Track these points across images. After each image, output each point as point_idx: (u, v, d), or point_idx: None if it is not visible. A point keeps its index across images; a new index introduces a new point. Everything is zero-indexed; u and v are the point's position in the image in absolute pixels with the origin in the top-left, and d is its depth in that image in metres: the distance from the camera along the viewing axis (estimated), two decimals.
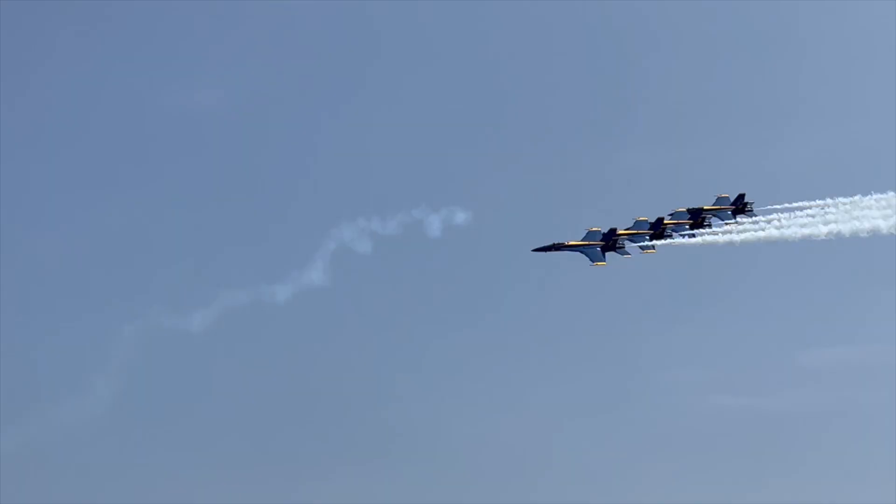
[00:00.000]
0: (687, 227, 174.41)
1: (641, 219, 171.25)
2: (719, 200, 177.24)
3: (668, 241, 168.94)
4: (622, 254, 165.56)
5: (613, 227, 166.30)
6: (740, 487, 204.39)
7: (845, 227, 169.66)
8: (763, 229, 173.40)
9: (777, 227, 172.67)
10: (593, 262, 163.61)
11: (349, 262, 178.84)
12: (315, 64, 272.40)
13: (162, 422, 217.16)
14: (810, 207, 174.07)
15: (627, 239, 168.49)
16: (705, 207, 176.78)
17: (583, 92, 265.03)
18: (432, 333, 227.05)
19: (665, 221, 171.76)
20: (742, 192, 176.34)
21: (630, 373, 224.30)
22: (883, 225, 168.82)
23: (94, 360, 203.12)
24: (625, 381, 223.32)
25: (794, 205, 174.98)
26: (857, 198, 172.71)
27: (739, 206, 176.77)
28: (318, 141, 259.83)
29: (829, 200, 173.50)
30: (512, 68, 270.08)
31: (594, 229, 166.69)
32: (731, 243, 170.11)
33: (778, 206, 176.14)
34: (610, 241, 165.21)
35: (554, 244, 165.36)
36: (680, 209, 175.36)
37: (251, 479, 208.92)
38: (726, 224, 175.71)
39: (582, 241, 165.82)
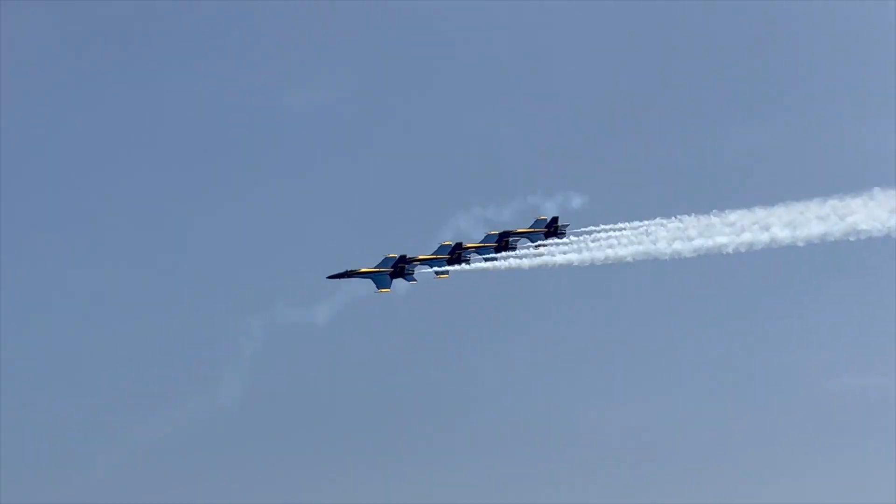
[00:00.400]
0: (493, 250, 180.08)
1: (446, 243, 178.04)
2: (537, 223, 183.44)
3: (463, 265, 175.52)
4: (409, 280, 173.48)
5: (404, 254, 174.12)
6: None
7: (623, 251, 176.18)
8: (573, 251, 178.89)
9: (585, 250, 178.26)
10: (379, 288, 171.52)
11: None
12: (427, 55, 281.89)
13: (288, 415, 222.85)
14: (623, 229, 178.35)
15: (426, 264, 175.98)
16: (518, 230, 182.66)
17: (699, 73, 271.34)
18: (553, 320, 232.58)
19: (468, 245, 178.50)
20: (556, 215, 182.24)
21: (748, 358, 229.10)
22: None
23: (222, 354, 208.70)
24: (744, 367, 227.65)
25: (609, 226, 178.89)
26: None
27: (552, 229, 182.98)
28: (431, 130, 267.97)
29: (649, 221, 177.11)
30: (625, 52, 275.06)
31: (390, 256, 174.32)
32: (520, 268, 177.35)
33: (588, 229, 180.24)
34: (398, 268, 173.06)
35: (346, 271, 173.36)
36: (493, 232, 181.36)
37: (375, 471, 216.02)
38: (537, 246, 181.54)
39: (376, 267, 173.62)
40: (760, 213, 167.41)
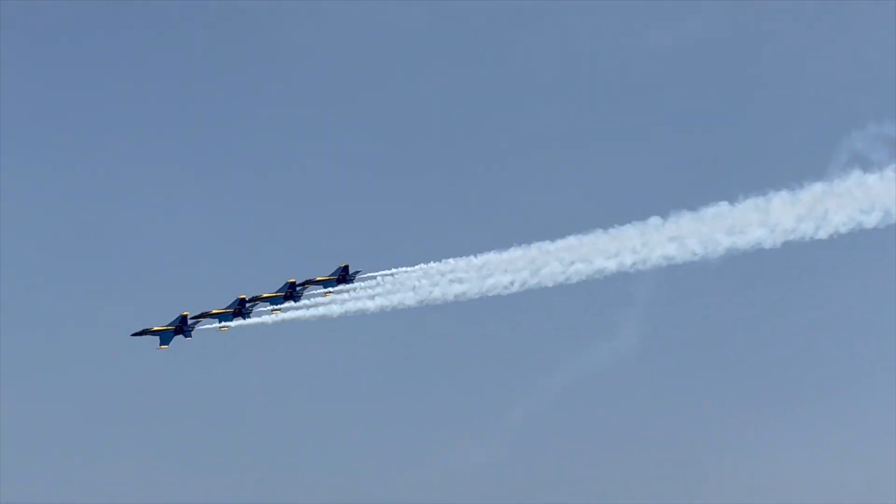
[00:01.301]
0: (282, 299, 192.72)
1: (241, 296, 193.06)
2: (337, 270, 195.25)
3: (244, 320, 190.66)
4: (186, 336, 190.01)
5: (184, 312, 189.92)
6: None
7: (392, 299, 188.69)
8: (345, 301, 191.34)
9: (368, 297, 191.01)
10: (161, 344, 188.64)
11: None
12: None
13: (686, 362, 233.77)
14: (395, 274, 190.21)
15: (215, 318, 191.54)
16: (317, 279, 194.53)
17: None
18: None
19: (265, 294, 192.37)
20: (346, 263, 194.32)
21: None
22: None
23: (617, 301, 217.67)
24: None
25: (391, 270, 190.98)
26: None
27: (341, 276, 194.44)
28: (805, 62, 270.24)
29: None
30: None
31: (184, 314, 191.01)
32: (278, 322, 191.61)
33: (381, 273, 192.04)
34: (178, 326, 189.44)
35: (143, 329, 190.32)
36: (291, 279, 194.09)
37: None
38: (326, 293, 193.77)
39: (168, 325, 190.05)
40: None
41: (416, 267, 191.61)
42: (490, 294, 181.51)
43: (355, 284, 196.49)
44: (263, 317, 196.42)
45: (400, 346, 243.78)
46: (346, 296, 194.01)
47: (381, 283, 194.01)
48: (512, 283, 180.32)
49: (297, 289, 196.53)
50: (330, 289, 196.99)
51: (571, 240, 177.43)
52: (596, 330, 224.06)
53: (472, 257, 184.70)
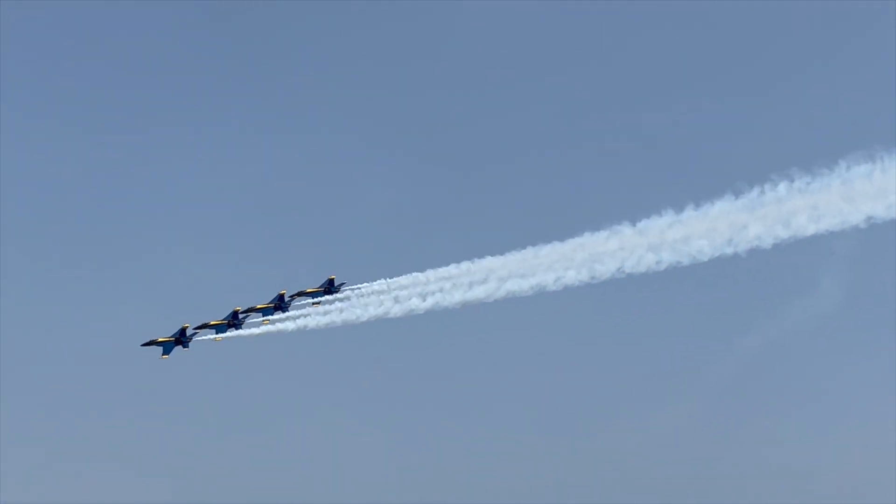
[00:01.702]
0: (272, 310, 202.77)
1: (237, 308, 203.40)
2: (324, 283, 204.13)
3: (234, 332, 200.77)
4: (184, 347, 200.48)
5: (185, 325, 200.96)
6: None
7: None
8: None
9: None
10: (163, 354, 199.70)
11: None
12: None
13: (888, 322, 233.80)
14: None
15: (213, 329, 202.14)
16: (308, 290, 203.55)
17: None
18: None
19: (259, 306, 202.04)
20: (332, 276, 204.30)
21: None
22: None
23: (819, 261, 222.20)
24: None
25: (373, 284, 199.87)
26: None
27: (327, 288, 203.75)
28: None
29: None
30: None
31: (185, 326, 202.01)
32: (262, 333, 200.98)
33: (364, 286, 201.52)
34: (178, 338, 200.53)
35: (151, 340, 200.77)
36: (283, 292, 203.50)
37: None
38: (314, 304, 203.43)
39: (171, 336, 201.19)
40: None
41: (395, 279, 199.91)
42: (683, 265, 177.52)
43: (341, 294, 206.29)
44: (252, 329, 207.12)
45: (601, 315, 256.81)
46: (531, 280, 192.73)
47: (366, 294, 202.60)
48: (702, 251, 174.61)
49: (286, 300, 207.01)
50: (318, 299, 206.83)
51: (782, 188, 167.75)
52: (794, 292, 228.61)
53: (668, 212, 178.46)
